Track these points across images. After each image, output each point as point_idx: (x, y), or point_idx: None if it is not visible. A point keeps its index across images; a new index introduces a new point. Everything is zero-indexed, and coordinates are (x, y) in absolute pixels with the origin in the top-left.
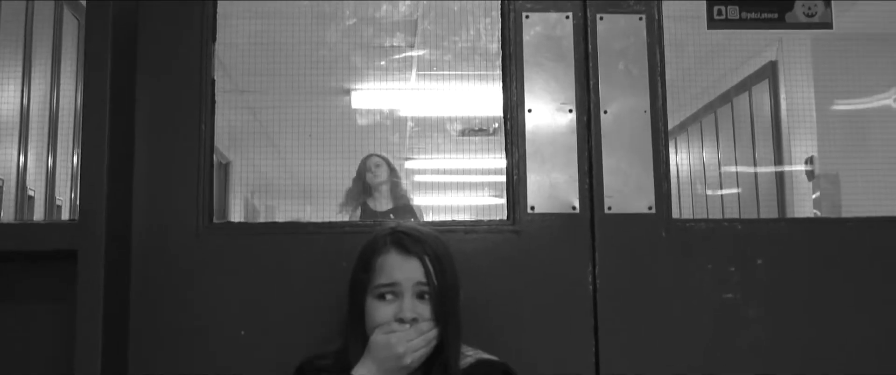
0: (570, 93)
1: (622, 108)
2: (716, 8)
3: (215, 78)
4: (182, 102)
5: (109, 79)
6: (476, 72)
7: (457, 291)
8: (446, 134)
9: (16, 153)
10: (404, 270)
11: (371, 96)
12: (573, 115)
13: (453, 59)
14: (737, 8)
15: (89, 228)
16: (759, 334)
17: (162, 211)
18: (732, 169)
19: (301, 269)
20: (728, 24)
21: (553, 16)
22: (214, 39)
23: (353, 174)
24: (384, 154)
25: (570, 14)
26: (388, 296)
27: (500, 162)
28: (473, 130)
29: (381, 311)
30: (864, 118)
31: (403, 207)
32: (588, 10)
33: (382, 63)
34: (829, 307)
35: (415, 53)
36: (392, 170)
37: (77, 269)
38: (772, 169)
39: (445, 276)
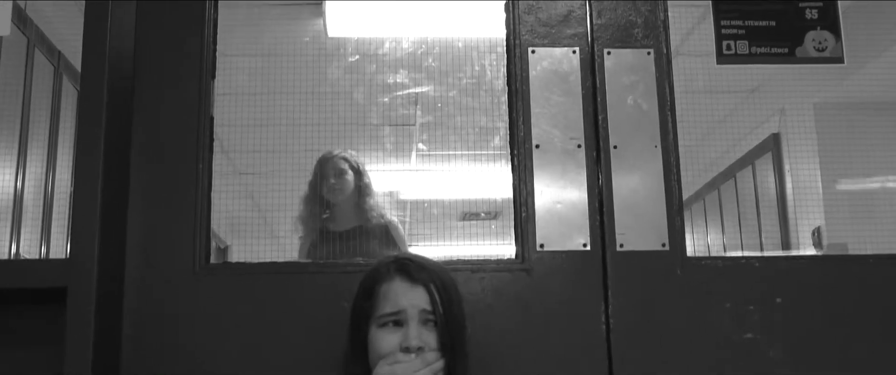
0: (579, 129)
1: (632, 143)
2: (725, 43)
3: (214, 154)
4: (179, 137)
5: (105, 109)
6: (479, 152)
7: (463, 323)
8: (448, 218)
9: (9, 230)
10: (409, 297)
11: (371, 177)
12: (582, 151)
13: (458, 94)
14: (746, 43)
15: (80, 264)
16: None
17: (157, 250)
18: (738, 254)
19: (301, 310)
20: (737, 58)
21: (559, 51)
22: (213, 76)
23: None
24: (349, 152)
25: (577, 49)
26: (393, 325)
27: (505, 248)
28: (475, 215)
29: (385, 341)
30: (872, 188)
31: (374, 228)
32: (595, 45)
33: (386, 100)
34: (854, 346)
35: (418, 90)
36: (359, 176)
37: (66, 308)
38: (780, 253)
39: (452, 305)
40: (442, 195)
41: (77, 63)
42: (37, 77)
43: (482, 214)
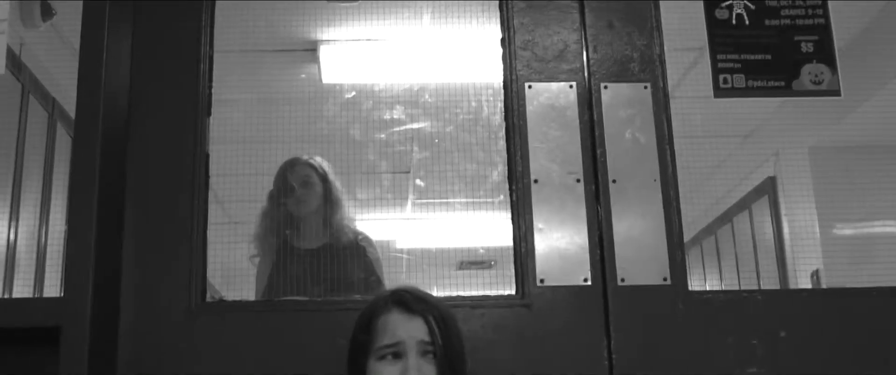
0: (577, 163)
1: (631, 177)
2: (722, 77)
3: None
4: (175, 172)
5: (100, 145)
6: (476, 200)
7: (464, 356)
8: (444, 267)
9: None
10: (408, 329)
11: (365, 227)
12: (581, 185)
13: (455, 130)
14: (743, 76)
15: (74, 303)
16: None
17: (152, 288)
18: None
19: (297, 347)
20: (734, 92)
21: (556, 85)
22: (209, 114)
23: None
24: (316, 159)
25: (574, 83)
26: (391, 358)
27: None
28: (472, 263)
29: (383, 374)
30: (869, 230)
31: (347, 246)
32: (591, 80)
33: (382, 136)
34: None
35: (415, 126)
36: (328, 185)
37: (60, 349)
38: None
39: (452, 337)
40: (438, 243)
41: (71, 110)
42: (31, 123)
43: (480, 250)
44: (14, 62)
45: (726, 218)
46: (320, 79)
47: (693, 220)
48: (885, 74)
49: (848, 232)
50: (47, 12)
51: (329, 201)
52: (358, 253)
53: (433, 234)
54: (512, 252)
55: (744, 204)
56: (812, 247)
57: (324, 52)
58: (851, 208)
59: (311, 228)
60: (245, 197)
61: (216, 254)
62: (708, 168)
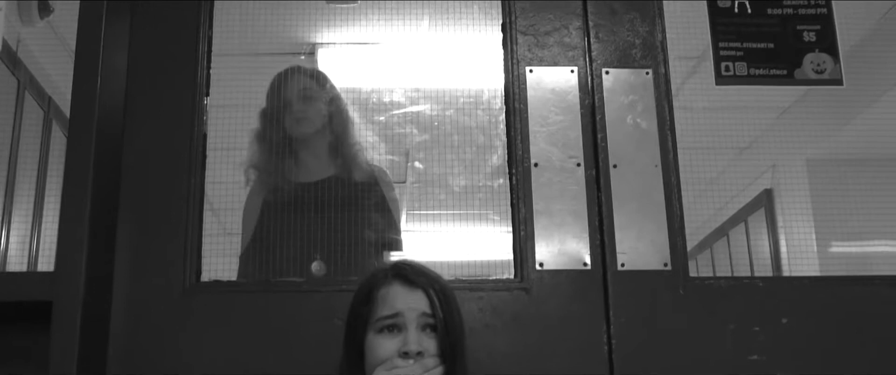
0: (578, 148)
1: (632, 163)
2: (724, 64)
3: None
4: (171, 153)
5: (96, 123)
6: (473, 212)
7: (463, 331)
8: None
9: None
10: (408, 301)
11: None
12: (581, 170)
13: (455, 114)
14: (745, 64)
15: (66, 278)
16: None
17: (146, 266)
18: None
19: (293, 329)
20: (736, 80)
21: (557, 70)
22: (207, 94)
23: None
24: (318, 69)
25: (575, 68)
26: (391, 331)
27: None
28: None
29: (383, 346)
30: (868, 243)
31: (358, 182)
32: (592, 65)
33: (382, 119)
34: (863, 367)
35: (415, 108)
36: (334, 102)
37: (51, 325)
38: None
39: (452, 311)
40: (433, 257)
41: (67, 108)
42: (26, 121)
43: (477, 264)
44: (11, 58)
45: (722, 231)
46: None
47: (690, 233)
48: (887, 81)
49: (845, 248)
50: (45, 10)
51: (335, 121)
52: (371, 184)
53: (427, 249)
54: (510, 236)
55: (739, 218)
56: (809, 262)
57: (322, 55)
58: (850, 222)
59: (314, 156)
60: (240, 206)
61: (211, 264)
62: (704, 182)
